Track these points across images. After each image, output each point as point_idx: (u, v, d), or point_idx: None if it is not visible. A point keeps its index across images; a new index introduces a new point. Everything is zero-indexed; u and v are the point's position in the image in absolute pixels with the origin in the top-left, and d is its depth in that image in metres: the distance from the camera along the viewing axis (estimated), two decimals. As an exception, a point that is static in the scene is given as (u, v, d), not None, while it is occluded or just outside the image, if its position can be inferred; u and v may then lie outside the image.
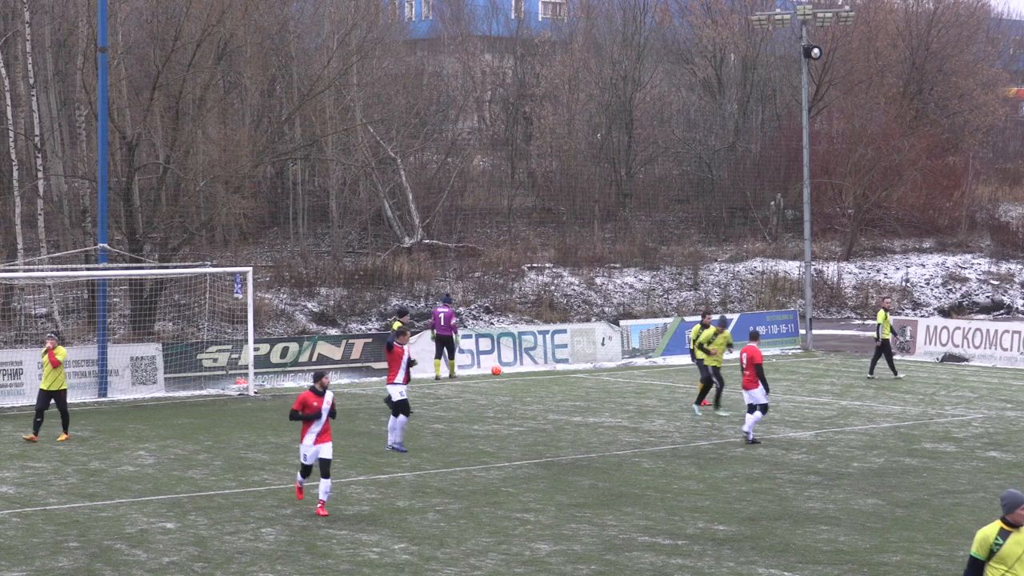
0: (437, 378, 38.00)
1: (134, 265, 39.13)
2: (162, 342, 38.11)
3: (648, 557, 18.10)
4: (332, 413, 20.50)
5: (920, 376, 38.58)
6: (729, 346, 31.83)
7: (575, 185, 61.66)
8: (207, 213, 46.96)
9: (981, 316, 55.40)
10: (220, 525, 19.85)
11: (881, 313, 38.08)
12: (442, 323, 38.14)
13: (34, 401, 33.03)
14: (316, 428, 20.31)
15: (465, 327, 45.93)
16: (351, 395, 34.97)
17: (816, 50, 46.37)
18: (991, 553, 12.00)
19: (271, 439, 27.69)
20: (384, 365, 38.63)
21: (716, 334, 31.53)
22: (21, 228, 43.02)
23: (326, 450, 20.40)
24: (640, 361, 42.59)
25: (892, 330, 38.52)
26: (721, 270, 58.77)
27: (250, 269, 36.79)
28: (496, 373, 39.17)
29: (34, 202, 43.81)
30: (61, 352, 27.69)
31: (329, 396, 20.42)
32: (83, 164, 45.58)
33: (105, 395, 34.15)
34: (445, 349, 38.33)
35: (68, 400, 33.35)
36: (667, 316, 49.65)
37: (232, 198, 46.51)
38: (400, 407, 25.81)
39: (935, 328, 43.48)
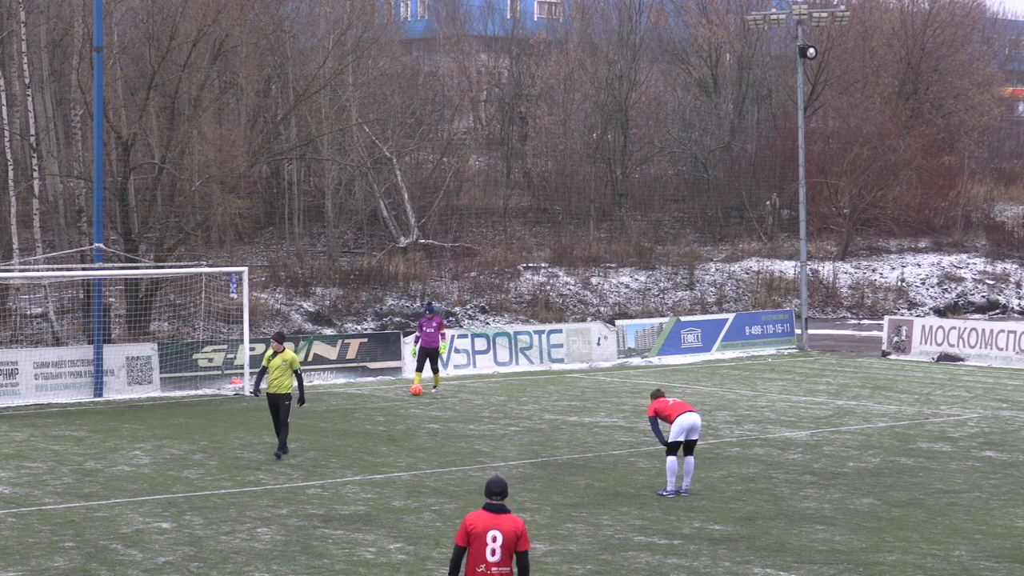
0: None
1: (130, 265, 39.10)
2: (158, 342, 38.09)
3: (644, 557, 18.10)
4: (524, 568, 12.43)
5: (915, 376, 38.61)
6: None
7: (571, 185, 61.67)
8: (203, 213, 46.94)
9: (977, 316, 55.44)
10: (216, 525, 19.84)
11: None
12: (429, 332, 34.85)
13: (31, 401, 33.16)
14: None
15: (461, 327, 45.92)
16: (347, 395, 34.97)
17: (812, 50, 46.39)
18: None
19: (267, 439, 27.63)
20: (382, 364, 38.94)
21: None
22: (17, 228, 42.94)
23: None
24: (636, 361, 42.58)
25: None
26: (717, 270, 58.79)
27: (246, 269, 36.74)
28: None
29: (30, 202, 43.77)
30: None
31: (511, 523, 12.51)
32: (79, 164, 45.53)
33: (101, 395, 34.11)
34: (428, 360, 34.95)
35: (64, 399, 33.57)
36: (663, 316, 49.64)
37: (228, 198, 46.46)
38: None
39: (931, 328, 43.50)
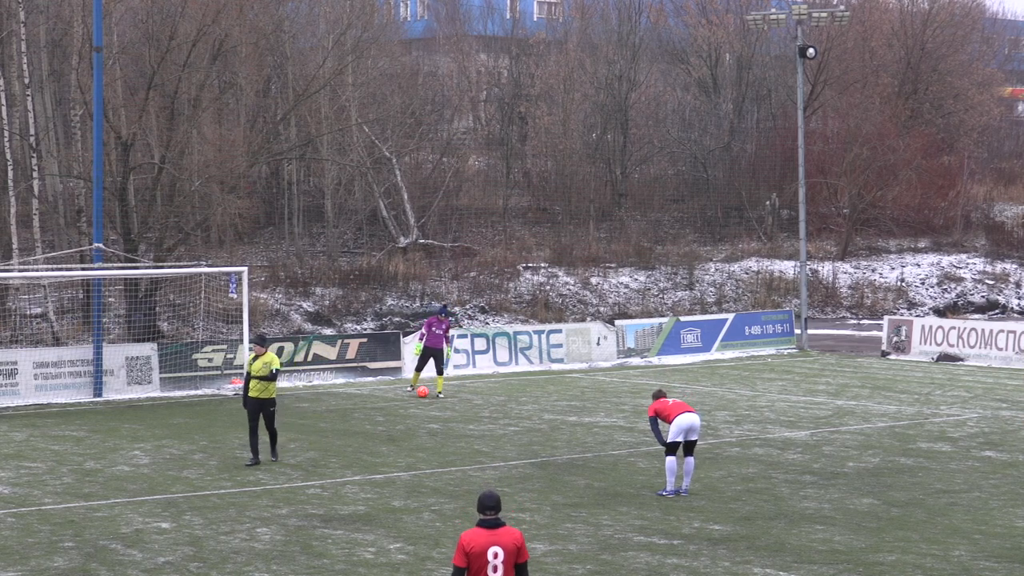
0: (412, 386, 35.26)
1: (129, 265, 39.09)
2: (157, 342, 38.09)
3: (644, 557, 18.10)
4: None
5: (915, 376, 38.61)
6: None
7: (570, 185, 61.66)
8: (202, 213, 46.93)
9: (976, 316, 55.44)
10: (215, 525, 19.84)
11: None
12: (437, 334, 34.62)
13: (31, 401, 33.15)
14: None
15: (460, 327, 45.92)
16: (347, 395, 34.98)
17: (811, 50, 46.39)
18: None
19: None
20: (381, 364, 38.96)
21: None
22: (16, 228, 42.97)
23: None
24: (635, 361, 42.58)
25: None
26: (716, 270, 58.79)
27: (245, 269, 36.72)
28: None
29: (29, 202, 43.78)
30: None
31: (510, 535, 12.14)
32: (78, 164, 45.54)
33: (100, 395, 34.12)
34: (433, 361, 34.77)
35: (64, 399, 33.54)
36: (662, 316, 49.65)
37: (227, 198, 46.45)
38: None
39: (930, 328, 43.51)
